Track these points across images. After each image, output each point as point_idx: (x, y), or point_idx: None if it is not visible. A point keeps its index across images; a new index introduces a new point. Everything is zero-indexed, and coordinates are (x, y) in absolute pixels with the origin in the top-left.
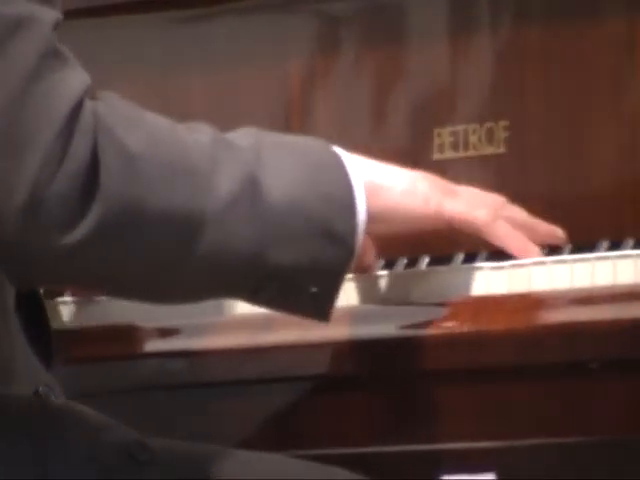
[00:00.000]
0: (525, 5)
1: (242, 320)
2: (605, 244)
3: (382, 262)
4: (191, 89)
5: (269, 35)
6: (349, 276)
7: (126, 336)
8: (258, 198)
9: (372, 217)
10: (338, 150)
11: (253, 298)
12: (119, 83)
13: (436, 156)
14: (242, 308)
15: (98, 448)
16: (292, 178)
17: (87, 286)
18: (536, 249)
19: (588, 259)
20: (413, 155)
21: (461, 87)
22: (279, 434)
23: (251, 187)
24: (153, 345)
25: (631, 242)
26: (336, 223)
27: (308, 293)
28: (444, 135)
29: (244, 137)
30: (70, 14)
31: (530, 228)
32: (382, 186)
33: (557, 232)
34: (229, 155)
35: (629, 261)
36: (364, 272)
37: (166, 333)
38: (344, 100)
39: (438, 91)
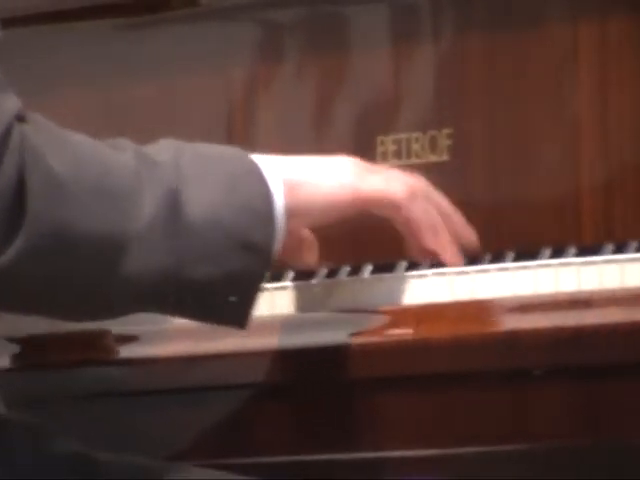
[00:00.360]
0: (468, 13)
1: (183, 329)
2: (547, 252)
3: (325, 270)
4: (134, 97)
5: (212, 43)
6: (290, 284)
7: (71, 344)
8: (178, 216)
9: (291, 213)
10: (254, 156)
11: (174, 311)
12: (62, 91)
13: (379, 164)
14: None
15: (40, 459)
16: (211, 193)
17: (14, 309)
18: (448, 238)
19: (530, 267)
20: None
21: (404, 95)
22: (221, 441)
23: (172, 205)
24: (97, 353)
25: (573, 250)
26: (253, 234)
27: (226, 303)
28: (387, 143)
29: (164, 151)
30: (14, 21)
31: (449, 219)
32: (299, 182)
33: (472, 235)
34: (151, 174)
35: (571, 269)
36: (305, 269)
37: (114, 341)
38: (287, 108)
39: (381, 99)
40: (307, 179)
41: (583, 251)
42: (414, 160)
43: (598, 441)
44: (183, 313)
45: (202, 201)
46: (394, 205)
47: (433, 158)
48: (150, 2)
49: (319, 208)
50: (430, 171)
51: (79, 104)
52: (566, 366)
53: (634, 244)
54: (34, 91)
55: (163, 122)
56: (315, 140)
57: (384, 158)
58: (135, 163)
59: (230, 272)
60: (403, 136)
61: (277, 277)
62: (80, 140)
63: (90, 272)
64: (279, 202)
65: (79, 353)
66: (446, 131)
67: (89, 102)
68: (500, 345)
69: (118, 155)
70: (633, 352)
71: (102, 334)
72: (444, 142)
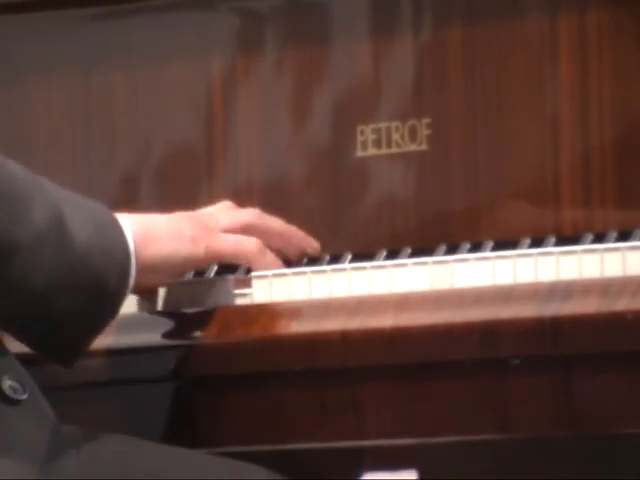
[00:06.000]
0: (447, 4)
1: None
2: (527, 241)
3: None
4: (113, 87)
5: (191, 32)
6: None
7: None
8: (63, 238)
9: (144, 269)
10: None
11: (18, 333)
12: (41, 81)
13: (359, 153)
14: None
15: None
16: (85, 228)
17: None
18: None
19: (510, 256)
20: (336, 152)
21: (384, 85)
22: (197, 432)
23: (58, 226)
24: None
25: (553, 239)
26: (112, 282)
27: (68, 341)
28: (367, 132)
29: (42, 178)
30: None
31: (287, 238)
32: (151, 238)
33: (312, 243)
34: (40, 190)
35: (551, 258)
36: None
37: None
38: (267, 98)
39: (361, 88)
40: (158, 236)
41: (562, 241)
42: (394, 149)
43: (576, 431)
44: (25, 333)
45: (79, 232)
46: (247, 260)
47: (412, 147)
48: None
49: (172, 264)
50: (409, 160)
51: (54, 94)
52: (544, 356)
53: (613, 234)
54: (8, 80)
55: (140, 114)
56: (295, 129)
57: (364, 147)
58: (24, 172)
59: (82, 312)
60: (383, 125)
61: None
62: None
63: None
64: (134, 262)
65: None
66: (425, 120)
67: (66, 92)
68: (479, 334)
69: (9, 162)
70: (612, 342)
71: None
72: (423, 131)
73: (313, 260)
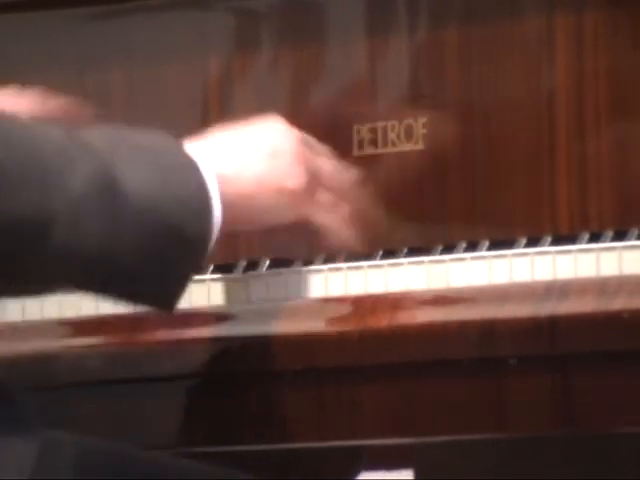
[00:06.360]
0: (444, 3)
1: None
2: (523, 241)
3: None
4: (109, 86)
5: (189, 31)
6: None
7: (42, 331)
8: (113, 197)
9: (227, 210)
10: (189, 146)
11: (100, 291)
12: (38, 80)
13: (356, 152)
14: None
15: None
16: (147, 181)
17: None
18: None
19: (506, 255)
20: (333, 151)
21: (380, 84)
22: (195, 432)
23: (105, 186)
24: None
25: (549, 239)
26: (187, 227)
27: (154, 290)
28: (363, 132)
29: (99, 136)
30: None
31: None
32: (235, 177)
33: None
34: (83, 152)
35: (547, 257)
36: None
37: (80, 329)
38: (263, 97)
39: (357, 88)
40: (243, 174)
41: (559, 240)
42: (390, 149)
43: (573, 430)
44: (109, 294)
45: (138, 187)
46: (334, 243)
47: (409, 146)
48: None
49: (256, 208)
50: (405, 159)
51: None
52: (541, 355)
53: (609, 233)
54: (6, 79)
55: (138, 111)
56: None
57: (360, 147)
58: (63, 140)
59: (162, 262)
60: (379, 125)
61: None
62: (11, 121)
63: (18, 250)
64: (216, 200)
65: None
66: (422, 120)
67: (64, 91)
68: (475, 333)
69: (47, 133)
70: (609, 341)
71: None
72: (420, 131)
73: (309, 259)
